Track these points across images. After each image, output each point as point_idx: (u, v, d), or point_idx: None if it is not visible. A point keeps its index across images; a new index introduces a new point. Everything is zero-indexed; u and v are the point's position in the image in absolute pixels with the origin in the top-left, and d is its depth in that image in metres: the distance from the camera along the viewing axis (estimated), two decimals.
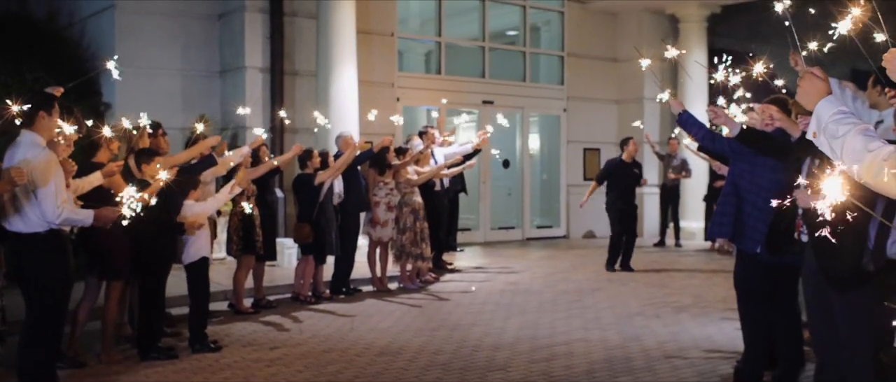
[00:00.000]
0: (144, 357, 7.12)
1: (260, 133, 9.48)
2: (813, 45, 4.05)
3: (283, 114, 11.31)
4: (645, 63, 7.08)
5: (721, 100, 7.53)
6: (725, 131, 6.43)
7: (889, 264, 3.86)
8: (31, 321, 5.71)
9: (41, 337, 5.71)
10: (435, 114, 15.13)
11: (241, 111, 10.04)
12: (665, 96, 6.70)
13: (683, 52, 8.60)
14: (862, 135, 2.91)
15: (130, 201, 5.50)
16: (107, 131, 6.62)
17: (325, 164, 10.00)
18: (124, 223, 5.65)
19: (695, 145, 7.66)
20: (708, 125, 7.23)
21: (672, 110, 6.65)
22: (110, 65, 6.07)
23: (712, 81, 6.21)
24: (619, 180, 12.92)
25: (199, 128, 8.33)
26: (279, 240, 10.61)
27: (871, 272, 3.97)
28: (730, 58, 5.55)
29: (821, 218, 2.60)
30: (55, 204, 5.50)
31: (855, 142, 2.89)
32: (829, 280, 4.69)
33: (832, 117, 3.01)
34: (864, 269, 3.99)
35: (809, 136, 3.11)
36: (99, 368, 6.88)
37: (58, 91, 5.83)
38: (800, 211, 5.11)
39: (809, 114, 3.12)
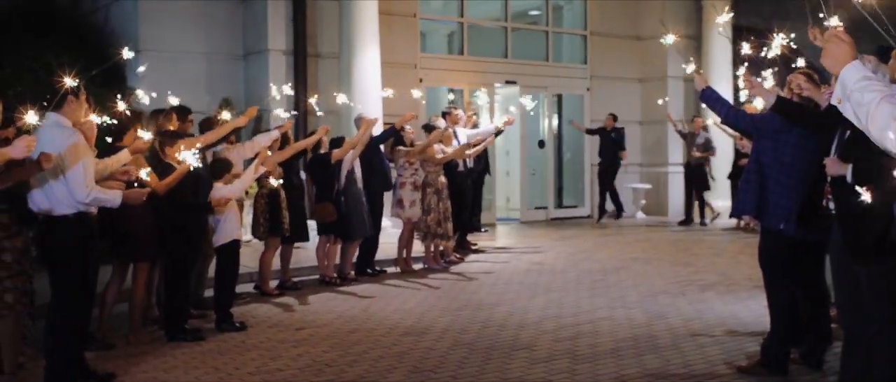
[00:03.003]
0: (172, 338, 7.20)
1: (286, 116, 9.48)
2: (834, 20, 3.97)
3: (313, 100, 11.02)
4: (669, 39, 7.05)
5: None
6: (755, 104, 6.36)
7: None
8: (58, 303, 5.77)
9: (69, 320, 5.76)
10: (451, 97, 15.08)
11: (274, 94, 10.04)
12: (690, 68, 6.67)
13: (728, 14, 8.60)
14: (888, 102, 2.85)
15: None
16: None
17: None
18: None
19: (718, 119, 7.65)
20: (732, 99, 7.19)
21: (696, 87, 6.61)
22: (125, 51, 6.20)
23: (743, 55, 6.16)
24: None
25: (226, 115, 8.33)
26: (309, 222, 10.60)
27: None
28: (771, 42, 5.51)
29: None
30: (84, 183, 5.53)
31: (882, 110, 2.83)
32: (853, 252, 4.65)
33: (857, 83, 2.94)
34: (891, 242, 3.93)
35: (834, 102, 3.06)
36: (127, 349, 6.96)
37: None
38: (829, 179, 5.06)
39: None
